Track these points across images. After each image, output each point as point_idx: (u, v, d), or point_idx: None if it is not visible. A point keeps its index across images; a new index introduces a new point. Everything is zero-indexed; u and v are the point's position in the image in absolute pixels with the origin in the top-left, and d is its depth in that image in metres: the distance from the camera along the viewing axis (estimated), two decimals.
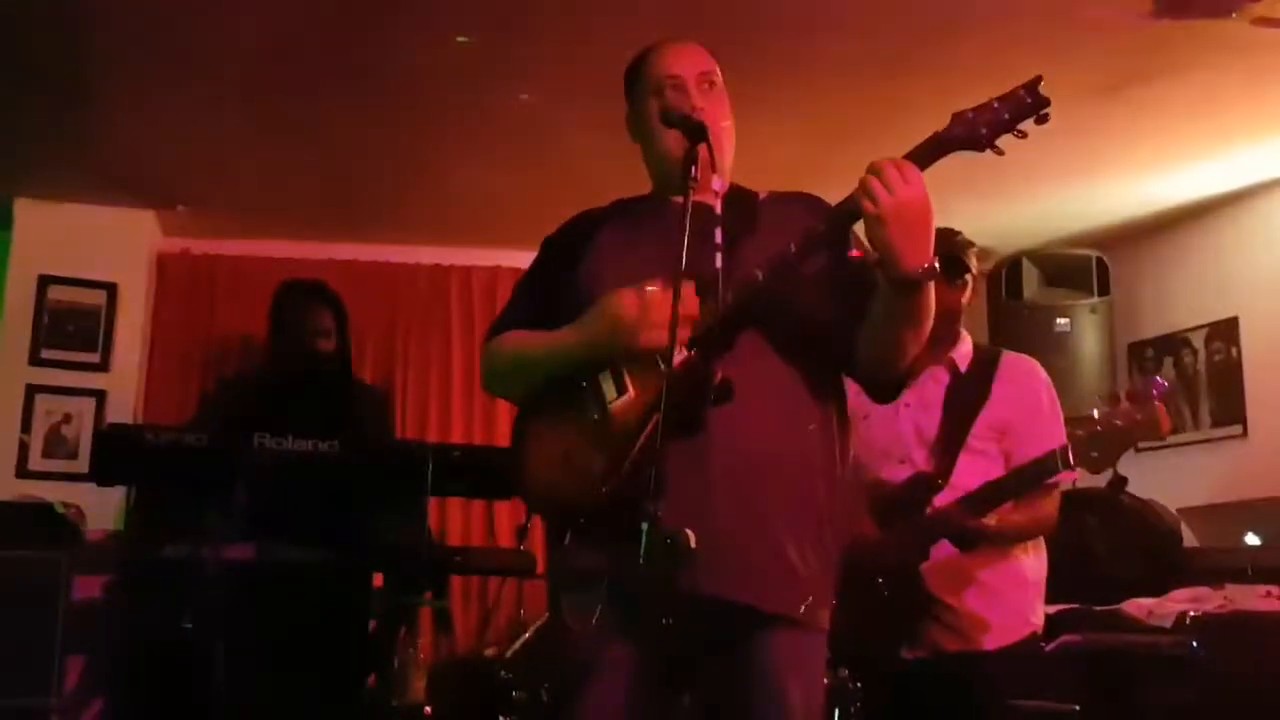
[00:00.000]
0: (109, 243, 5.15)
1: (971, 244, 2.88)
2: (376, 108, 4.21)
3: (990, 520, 2.60)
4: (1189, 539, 4.47)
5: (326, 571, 3.27)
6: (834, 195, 1.90)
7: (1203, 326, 5.19)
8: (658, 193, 2.11)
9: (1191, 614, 3.49)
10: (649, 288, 1.86)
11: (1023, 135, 1.74)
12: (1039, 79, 1.74)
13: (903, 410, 2.81)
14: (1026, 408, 2.77)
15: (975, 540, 2.62)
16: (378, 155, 4.66)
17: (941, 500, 2.67)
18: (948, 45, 3.68)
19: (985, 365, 2.84)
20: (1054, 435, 2.69)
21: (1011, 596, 2.71)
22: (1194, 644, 3.37)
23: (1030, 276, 5.26)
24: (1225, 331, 5.07)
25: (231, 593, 3.14)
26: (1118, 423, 2.48)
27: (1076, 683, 2.88)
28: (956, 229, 2.86)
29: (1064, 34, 3.58)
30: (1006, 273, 5.27)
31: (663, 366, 1.76)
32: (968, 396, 2.78)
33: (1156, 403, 2.47)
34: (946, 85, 3.85)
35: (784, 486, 1.90)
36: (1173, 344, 5.34)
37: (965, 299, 2.86)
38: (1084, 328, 5.23)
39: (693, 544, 1.71)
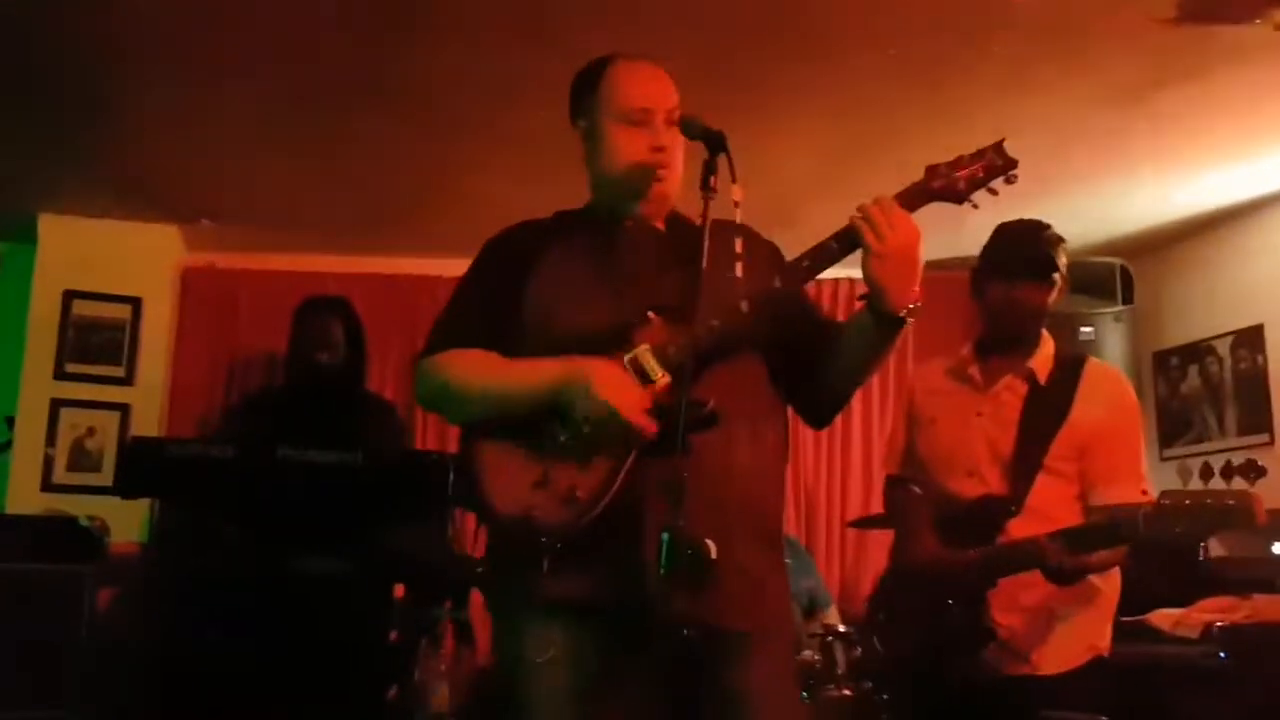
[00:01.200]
0: (133, 257, 5.18)
1: (1061, 239, 2.72)
2: (400, 121, 4.23)
3: (1092, 558, 2.46)
4: (1215, 549, 4.42)
5: (348, 582, 3.28)
6: (852, 210, 1.91)
7: (1228, 334, 5.15)
8: (602, 210, 2.10)
9: (1219, 625, 3.46)
10: (620, 369, 1.85)
11: (994, 193, 1.91)
12: (1002, 141, 1.91)
13: (974, 420, 2.69)
14: (1109, 429, 2.62)
15: (1074, 577, 2.48)
16: (401, 169, 4.68)
17: (1018, 527, 2.54)
18: (969, 57, 3.67)
19: (1067, 376, 2.67)
20: (1133, 463, 2.61)
21: (1078, 620, 2.59)
22: (1221, 655, 3.34)
23: None
24: (1250, 339, 5.03)
25: (255, 604, 3.15)
26: (1209, 502, 2.32)
27: (1103, 694, 2.85)
28: (1046, 222, 2.72)
29: (1086, 42, 3.56)
30: None
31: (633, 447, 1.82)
32: (1047, 412, 2.62)
33: (1254, 491, 2.33)
34: (971, 93, 3.89)
35: (754, 509, 1.94)
36: (1197, 352, 5.30)
37: (1052, 300, 2.70)
38: (1108, 336, 5.19)
39: (713, 555, 1.71)
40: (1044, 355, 2.70)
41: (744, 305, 1.87)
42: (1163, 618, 3.61)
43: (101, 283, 5.13)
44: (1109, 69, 3.73)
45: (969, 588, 2.53)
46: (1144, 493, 2.55)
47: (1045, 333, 2.74)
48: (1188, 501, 2.32)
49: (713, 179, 1.83)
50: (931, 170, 1.90)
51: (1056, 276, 2.68)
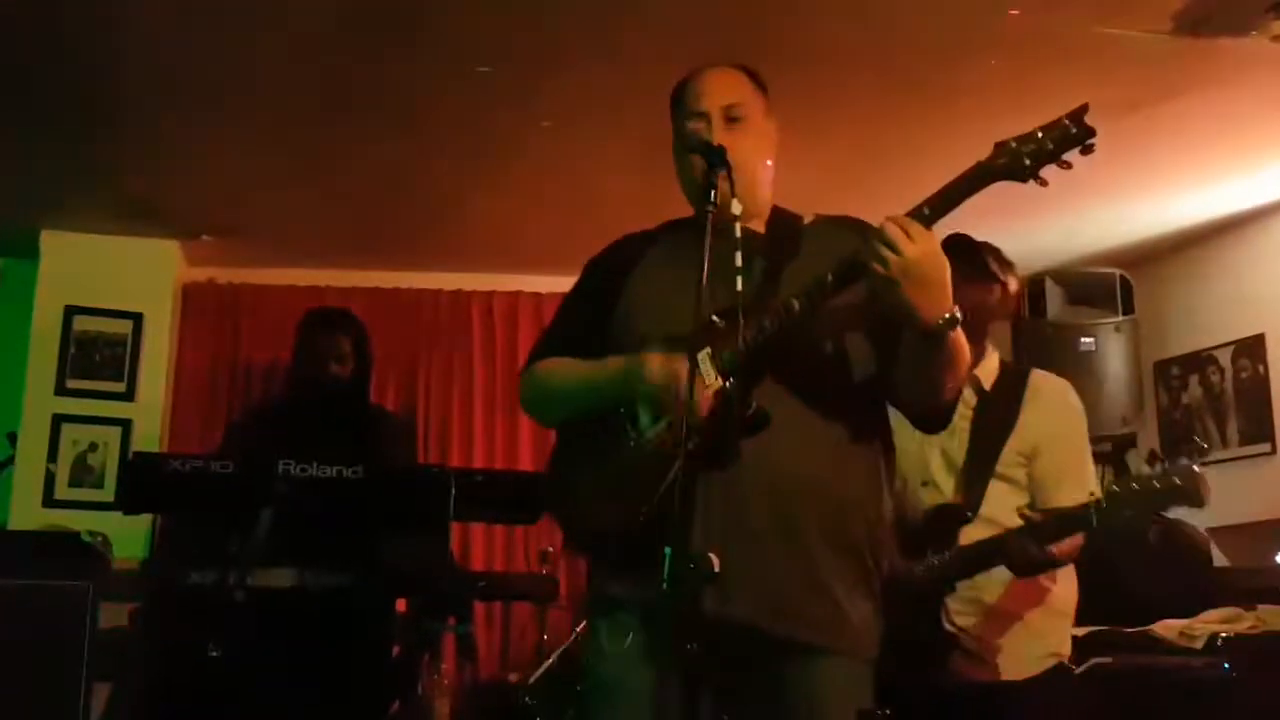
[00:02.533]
0: (134, 273, 5.20)
1: (1006, 259, 2.77)
2: (399, 136, 4.24)
3: (1053, 549, 2.51)
4: (1219, 559, 4.42)
5: (350, 597, 3.27)
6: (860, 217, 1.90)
7: (1229, 344, 5.15)
8: (698, 216, 2.08)
9: (1223, 635, 3.45)
10: (674, 361, 1.83)
11: (1067, 166, 1.74)
12: (1085, 107, 1.72)
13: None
14: (1055, 434, 2.68)
15: (1041, 568, 2.53)
16: (401, 183, 4.69)
17: (972, 534, 2.58)
18: (969, 67, 3.68)
19: (1012, 384, 2.73)
20: (1080, 466, 2.66)
21: (1035, 622, 2.62)
22: (1226, 665, 3.33)
23: (1054, 295, 5.21)
24: (1252, 348, 5.03)
25: (257, 620, 3.14)
26: (1156, 484, 2.36)
27: (1107, 705, 2.84)
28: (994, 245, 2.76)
29: (1084, 53, 3.57)
30: (1030, 292, 5.24)
31: (676, 447, 1.77)
32: (995, 420, 2.67)
33: (1199, 471, 2.35)
34: (970, 107, 3.89)
35: (820, 515, 1.87)
36: (1199, 362, 5.30)
37: (992, 303, 2.72)
38: (1109, 347, 5.18)
39: (716, 568, 1.70)
40: (989, 366, 2.75)
41: (795, 304, 1.82)
42: (1167, 628, 3.60)
43: (103, 298, 5.14)
44: (1107, 81, 3.74)
45: (926, 595, 2.56)
46: (1090, 494, 2.57)
47: (990, 346, 2.78)
48: (1135, 486, 2.38)
49: (714, 194, 1.82)
50: (1000, 146, 1.77)
51: (996, 285, 2.72)
